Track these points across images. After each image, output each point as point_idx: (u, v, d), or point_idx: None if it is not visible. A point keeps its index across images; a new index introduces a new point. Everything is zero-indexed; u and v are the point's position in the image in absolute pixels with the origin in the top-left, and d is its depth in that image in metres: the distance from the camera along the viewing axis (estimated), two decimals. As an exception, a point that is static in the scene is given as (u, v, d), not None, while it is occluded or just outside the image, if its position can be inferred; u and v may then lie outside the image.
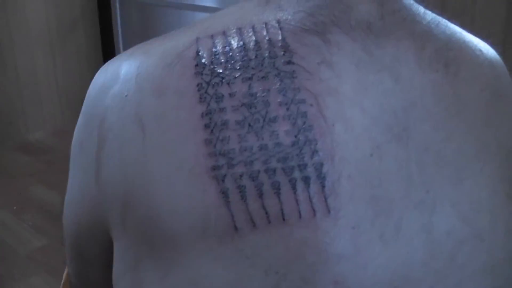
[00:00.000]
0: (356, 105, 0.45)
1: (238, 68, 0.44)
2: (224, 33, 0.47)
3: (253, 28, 0.47)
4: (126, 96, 0.47)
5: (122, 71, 0.49)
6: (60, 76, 3.53)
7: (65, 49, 3.55)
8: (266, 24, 0.47)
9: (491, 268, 0.47)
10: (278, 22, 0.47)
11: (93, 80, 0.52)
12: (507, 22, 2.10)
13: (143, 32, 3.68)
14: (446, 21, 0.55)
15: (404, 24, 0.51)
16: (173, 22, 3.46)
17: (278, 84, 0.44)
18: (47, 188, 2.78)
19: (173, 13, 3.44)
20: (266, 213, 0.41)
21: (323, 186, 0.42)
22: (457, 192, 0.47)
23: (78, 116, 0.53)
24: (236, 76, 0.44)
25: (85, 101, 0.52)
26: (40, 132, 3.45)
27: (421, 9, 0.54)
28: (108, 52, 3.76)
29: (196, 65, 0.45)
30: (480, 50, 0.55)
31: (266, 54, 0.45)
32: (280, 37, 0.46)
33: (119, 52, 3.71)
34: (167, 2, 3.42)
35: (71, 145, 0.53)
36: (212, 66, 0.45)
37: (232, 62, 0.45)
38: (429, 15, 0.54)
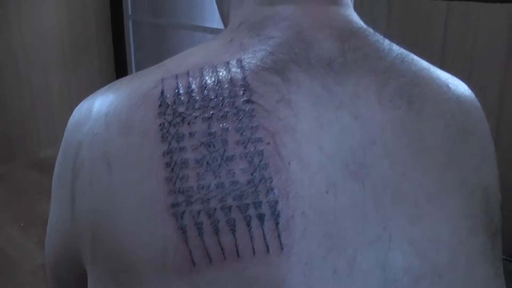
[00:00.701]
0: (312, 143, 0.46)
1: (198, 108, 0.45)
2: (188, 74, 0.48)
3: (215, 67, 0.48)
4: (96, 134, 0.48)
5: (94, 109, 0.50)
6: (73, 94, 3.58)
7: (79, 68, 3.60)
8: (227, 63, 0.48)
9: None
10: (240, 61, 0.48)
11: (71, 116, 0.53)
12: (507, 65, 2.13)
13: (155, 52, 3.74)
14: (414, 57, 0.56)
15: (366, 61, 0.52)
16: (184, 42, 3.52)
17: (237, 123, 0.45)
18: None
19: (184, 33, 3.51)
20: (222, 249, 0.42)
21: (277, 223, 0.42)
22: (415, 229, 0.47)
23: None
24: (197, 116, 0.45)
25: (64, 136, 0.53)
26: (51, 149, 3.47)
27: (386, 46, 0.54)
28: (120, 71, 3.82)
29: (160, 105, 0.46)
30: (448, 86, 0.55)
31: (226, 94, 0.46)
32: (240, 76, 0.47)
33: (131, 72, 3.78)
34: (178, 23, 3.49)
35: (53, 177, 0.55)
36: (174, 106, 0.45)
37: (193, 102, 0.46)
38: (395, 52, 0.54)
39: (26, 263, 2.39)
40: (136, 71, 3.73)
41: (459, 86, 0.56)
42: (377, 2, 2.38)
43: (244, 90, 0.46)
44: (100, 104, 0.50)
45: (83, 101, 0.53)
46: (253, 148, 0.44)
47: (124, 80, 0.52)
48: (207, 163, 0.43)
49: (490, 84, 2.15)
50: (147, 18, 3.69)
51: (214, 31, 3.24)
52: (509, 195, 2.00)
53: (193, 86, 0.46)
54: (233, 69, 0.47)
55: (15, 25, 3.21)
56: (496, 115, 2.15)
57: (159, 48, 3.71)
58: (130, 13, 3.70)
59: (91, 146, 0.48)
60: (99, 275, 0.46)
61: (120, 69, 3.82)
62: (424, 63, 0.56)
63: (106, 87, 0.52)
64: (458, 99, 0.54)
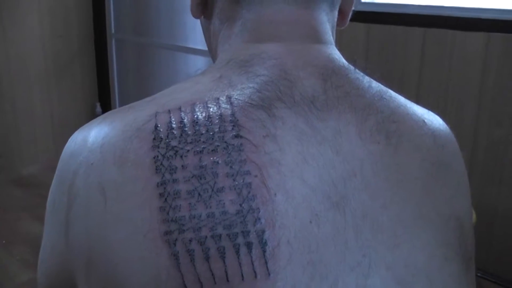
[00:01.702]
0: (296, 176, 0.47)
1: (190, 142, 0.47)
2: (180, 109, 0.49)
3: (205, 103, 0.50)
4: (91, 164, 0.49)
5: (89, 140, 0.51)
6: (55, 112, 3.56)
7: (61, 86, 3.59)
8: (217, 99, 0.50)
9: None
10: (229, 97, 0.50)
11: (66, 145, 0.55)
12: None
13: (137, 71, 3.75)
14: (392, 93, 0.58)
15: (347, 99, 0.54)
16: (166, 62, 3.53)
17: (226, 156, 0.46)
18: (38, 221, 2.77)
19: (166, 53, 3.52)
20: (212, 274, 0.43)
21: (264, 251, 0.44)
22: (393, 256, 0.49)
23: None
24: (189, 149, 0.47)
25: (58, 164, 0.54)
26: (34, 166, 3.46)
27: (366, 83, 0.57)
28: (103, 89, 3.81)
29: (154, 139, 0.47)
30: (424, 121, 0.57)
31: (216, 129, 0.48)
32: (229, 112, 0.49)
33: (114, 92, 3.78)
34: (160, 43, 3.50)
35: (47, 203, 0.55)
36: (167, 140, 0.47)
37: (186, 136, 0.47)
38: (374, 89, 0.57)
39: (8, 281, 2.37)
40: (118, 90, 3.76)
41: (434, 121, 0.59)
42: (356, 29, 2.44)
43: (233, 126, 0.48)
44: (95, 135, 0.51)
45: (78, 131, 0.55)
46: (241, 181, 0.46)
47: (117, 113, 0.53)
48: (199, 194, 0.45)
49: (465, 108, 2.19)
50: (130, 37, 3.69)
51: (195, 52, 3.28)
52: (482, 216, 2.06)
53: (185, 121, 0.48)
54: (223, 105, 0.49)
55: (-1, 46, 3.21)
56: (471, 141, 2.21)
57: (141, 66, 3.71)
58: (113, 31, 3.70)
59: (86, 176, 0.49)
60: None
61: (103, 87, 3.81)
62: (401, 100, 0.58)
63: (99, 118, 0.54)
64: (433, 134, 0.57)
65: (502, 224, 2.21)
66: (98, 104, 3.79)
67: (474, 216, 0.56)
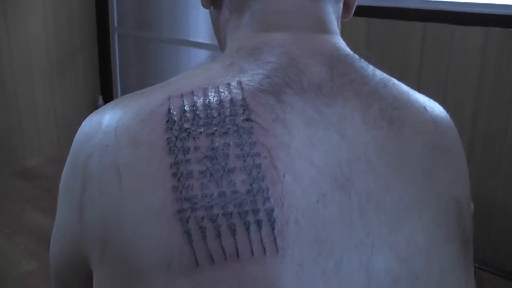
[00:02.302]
0: (304, 158, 0.49)
1: (202, 124, 0.49)
2: (192, 93, 0.51)
3: (217, 88, 0.51)
4: (106, 146, 0.50)
5: (104, 123, 0.53)
6: (58, 105, 3.58)
7: (64, 80, 3.60)
8: (228, 85, 0.52)
9: None
10: (239, 83, 0.52)
11: (79, 129, 0.56)
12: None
13: (140, 65, 3.76)
14: (395, 81, 0.60)
15: (352, 85, 0.55)
16: (168, 56, 3.54)
17: (237, 139, 0.48)
18: (41, 213, 2.81)
19: (168, 48, 3.53)
20: (223, 251, 0.45)
21: (273, 229, 0.46)
22: (395, 236, 0.51)
23: None
24: (201, 131, 0.48)
25: (71, 148, 0.56)
26: (37, 158, 3.47)
27: (370, 71, 0.58)
28: (105, 83, 3.83)
29: (167, 121, 0.49)
30: (425, 108, 0.59)
31: (228, 112, 0.49)
32: (240, 97, 0.51)
33: (116, 85, 3.79)
34: (162, 37, 3.51)
35: (59, 187, 0.57)
36: (180, 123, 0.49)
37: (198, 119, 0.49)
38: (378, 77, 0.58)
39: (12, 270, 2.40)
40: (120, 83, 3.77)
41: (435, 108, 0.61)
42: (357, 23, 2.46)
43: (244, 110, 0.50)
44: (109, 119, 0.53)
45: (91, 115, 0.56)
46: (251, 162, 0.47)
47: (131, 97, 0.55)
48: (211, 174, 0.47)
49: (464, 101, 2.23)
50: (132, 31, 3.71)
51: (197, 45, 3.28)
52: (480, 207, 2.09)
53: (198, 104, 0.50)
54: (234, 90, 0.51)
55: (2, 37, 3.21)
56: (469, 134, 2.23)
57: (144, 60, 3.72)
58: (115, 25, 3.71)
59: (101, 157, 0.51)
60: (106, 275, 0.50)
61: (105, 81, 3.83)
62: (404, 87, 0.60)
63: (112, 103, 0.56)
64: (434, 120, 0.59)
65: (499, 216, 2.23)
66: (100, 97, 3.81)
67: (472, 206, 0.58)
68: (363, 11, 2.40)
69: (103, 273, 0.50)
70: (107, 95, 3.82)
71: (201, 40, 3.27)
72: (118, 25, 3.73)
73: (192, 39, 3.32)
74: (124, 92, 3.78)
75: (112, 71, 3.80)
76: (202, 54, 3.33)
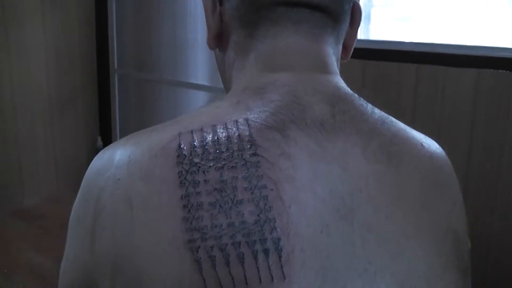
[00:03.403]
0: (309, 190, 0.51)
1: (212, 159, 0.51)
2: (202, 129, 0.54)
3: (225, 125, 0.54)
4: (118, 179, 0.53)
5: (116, 158, 0.55)
6: (58, 145, 3.57)
7: (64, 120, 3.60)
8: (236, 121, 0.54)
9: None
10: (246, 120, 0.54)
11: (91, 164, 0.58)
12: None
13: (139, 106, 3.77)
14: (393, 119, 0.63)
15: (353, 122, 0.58)
16: (168, 98, 3.56)
17: (245, 172, 0.50)
18: (39, 252, 2.75)
19: (168, 89, 3.55)
20: (232, 278, 0.46)
21: (280, 257, 0.47)
22: (396, 264, 0.53)
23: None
24: (210, 165, 0.51)
25: (83, 181, 0.58)
26: (35, 198, 3.44)
27: (369, 109, 0.61)
28: (105, 124, 3.83)
29: (178, 156, 0.51)
30: (422, 145, 0.61)
31: (236, 147, 0.52)
32: (247, 133, 0.53)
33: (115, 126, 3.79)
34: (162, 79, 3.53)
35: (70, 219, 0.59)
36: (191, 157, 0.51)
37: (207, 154, 0.51)
38: (376, 114, 0.61)
39: (11, 310, 2.36)
40: (119, 124, 3.78)
41: (431, 145, 0.63)
42: (352, 65, 2.51)
43: (251, 145, 0.52)
44: (121, 154, 0.55)
45: (102, 151, 0.58)
46: (259, 194, 0.50)
47: (142, 134, 0.57)
48: (220, 205, 0.49)
49: (458, 140, 2.26)
50: (132, 73, 3.73)
51: (197, 87, 3.30)
52: (477, 244, 2.10)
53: (207, 140, 0.52)
54: (241, 127, 0.53)
55: (4, 76, 3.23)
56: (464, 172, 2.25)
57: (143, 102, 3.74)
58: (116, 67, 3.74)
59: (113, 190, 0.53)
60: None
61: (105, 122, 3.84)
62: (401, 125, 0.63)
63: (123, 140, 0.58)
64: (431, 156, 0.61)
65: (496, 252, 2.24)
66: (99, 138, 3.81)
67: (468, 244, 0.59)
68: (358, 53, 2.43)
69: None
70: (106, 136, 3.82)
71: (200, 82, 3.29)
72: (118, 66, 3.75)
73: (192, 81, 3.35)
74: (123, 133, 3.79)
75: (112, 112, 3.81)
76: (201, 96, 3.35)
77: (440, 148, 0.65)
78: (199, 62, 3.30)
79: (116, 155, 0.55)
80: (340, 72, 0.66)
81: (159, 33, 3.53)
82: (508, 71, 2.12)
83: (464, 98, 2.24)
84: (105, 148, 0.59)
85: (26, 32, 3.28)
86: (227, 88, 0.71)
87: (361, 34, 2.65)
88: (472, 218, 2.24)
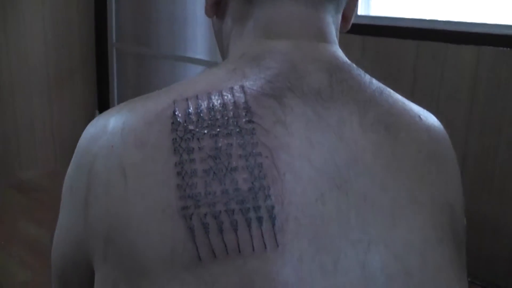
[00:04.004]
0: (304, 159, 0.51)
1: (206, 126, 0.50)
2: (197, 97, 0.53)
3: (221, 92, 0.53)
4: (112, 147, 0.52)
5: (110, 125, 0.54)
6: (55, 119, 3.58)
7: (62, 95, 3.61)
8: (231, 89, 0.54)
9: None
10: (242, 87, 0.54)
11: (84, 132, 0.57)
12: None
13: (137, 80, 3.77)
14: (391, 91, 0.61)
15: (350, 92, 0.57)
16: (166, 72, 3.57)
17: (240, 139, 0.50)
18: (36, 225, 2.79)
19: (166, 64, 3.56)
20: (225, 246, 0.46)
21: (273, 225, 0.47)
22: (391, 234, 0.52)
23: (69, 159, 0.58)
24: (205, 133, 0.50)
25: (76, 149, 0.57)
26: (33, 172, 3.46)
27: (367, 79, 0.60)
28: (103, 98, 3.84)
29: (172, 123, 0.51)
30: (420, 117, 0.61)
31: (231, 115, 0.51)
32: (243, 100, 0.52)
33: (113, 99, 3.80)
34: (160, 53, 3.54)
35: (63, 188, 0.58)
36: (185, 124, 0.50)
37: (202, 121, 0.51)
38: (374, 85, 0.60)
39: (6, 281, 2.39)
40: (117, 98, 3.78)
41: (429, 118, 0.63)
42: (352, 41, 2.50)
43: (246, 112, 0.52)
44: (115, 121, 0.54)
45: (97, 118, 0.57)
46: (253, 161, 0.49)
47: (137, 101, 0.56)
48: (214, 173, 0.48)
49: (457, 118, 2.25)
50: (130, 47, 3.73)
51: (194, 61, 3.31)
52: (472, 223, 2.10)
53: (202, 107, 0.52)
54: (237, 94, 0.53)
55: (1, 51, 3.23)
56: (462, 150, 2.25)
57: (141, 76, 3.74)
58: (114, 41, 3.73)
59: (107, 158, 0.52)
60: (109, 273, 0.50)
61: (103, 96, 3.84)
62: (399, 97, 0.62)
63: (118, 107, 0.57)
64: (428, 129, 0.61)
65: (491, 231, 2.25)
66: (97, 112, 3.81)
67: (464, 222, 0.59)
68: (358, 29, 2.43)
69: (106, 271, 0.51)
70: (104, 110, 3.80)
71: (199, 57, 3.29)
72: (117, 41, 3.74)
73: (190, 55, 3.35)
74: (121, 108, 3.77)
75: (110, 87, 3.81)
76: (199, 70, 3.33)
77: (439, 122, 0.65)
78: (198, 37, 3.30)
79: (110, 122, 0.55)
80: (339, 47, 0.65)
81: (157, 7, 3.53)
82: (508, 49, 2.12)
83: (464, 75, 2.24)
84: (99, 115, 0.58)
85: (24, 7, 3.27)
86: (224, 56, 0.70)
87: (361, 10, 2.64)
88: (469, 197, 2.25)
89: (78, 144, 0.57)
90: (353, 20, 0.72)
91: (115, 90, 3.81)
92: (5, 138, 3.36)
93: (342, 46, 0.66)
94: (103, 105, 3.84)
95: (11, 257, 2.55)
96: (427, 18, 2.40)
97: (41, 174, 3.49)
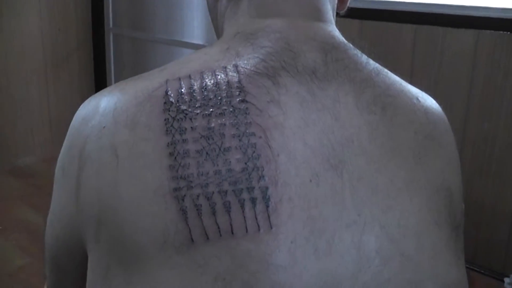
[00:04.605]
0: (298, 139, 0.50)
1: (199, 106, 0.50)
2: (190, 76, 0.52)
3: (214, 71, 0.53)
4: (104, 127, 0.51)
5: (101, 106, 0.54)
6: (52, 104, 3.57)
7: (59, 79, 3.60)
8: (225, 68, 0.53)
9: (416, 284, 0.52)
10: (235, 66, 0.53)
11: (76, 113, 0.57)
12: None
13: (134, 65, 3.75)
14: (388, 72, 0.61)
15: (346, 71, 0.57)
16: (162, 57, 3.54)
17: (233, 119, 0.49)
18: (34, 210, 2.81)
19: (163, 48, 3.54)
20: (218, 227, 0.46)
21: (267, 206, 0.47)
22: (386, 216, 0.52)
23: None
24: (198, 112, 0.49)
25: (69, 130, 0.57)
26: (30, 157, 3.46)
27: (363, 59, 0.60)
28: (100, 83, 3.82)
29: (164, 103, 0.50)
30: (417, 99, 0.60)
31: (224, 94, 0.51)
32: (236, 79, 0.52)
33: (110, 83, 3.77)
34: (157, 38, 3.52)
35: (55, 170, 0.57)
36: (178, 104, 0.50)
37: (195, 101, 0.50)
38: (371, 65, 0.60)
39: (4, 266, 2.39)
40: (114, 83, 3.75)
41: (427, 99, 0.62)
42: (349, 25, 2.49)
43: (240, 91, 0.51)
44: (107, 101, 0.54)
45: (89, 99, 0.57)
46: (247, 141, 0.49)
47: (128, 81, 0.56)
48: (207, 153, 0.48)
49: (455, 103, 2.24)
50: (127, 32, 3.71)
51: (191, 46, 3.29)
52: (470, 208, 2.11)
53: (195, 87, 0.51)
54: (230, 73, 0.52)
55: (-2, 35, 3.22)
56: (460, 134, 2.24)
57: (138, 61, 3.73)
58: (111, 26, 3.72)
59: (98, 139, 0.51)
60: (101, 255, 0.50)
61: (99, 81, 3.83)
62: (396, 78, 0.61)
63: (110, 87, 0.57)
64: (426, 111, 0.60)
65: (489, 216, 2.25)
66: (94, 98, 3.79)
67: (462, 206, 0.58)
68: (356, 13, 2.42)
69: (98, 253, 0.51)
70: (101, 95, 3.80)
71: (195, 41, 3.28)
72: (113, 25, 3.73)
73: (187, 40, 3.33)
74: (118, 93, 3.76)
75: (107, 72, 3.80)
76: (196, 55, 3.33)
77: (437, 104, 0.64)
78: (195, 21, 3.28)
79: (102, 103, 0.54)
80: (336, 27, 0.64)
81: (154, -9, 3.50)
82: (508, 33, 2.10)
83: (463, 59, 2.22)
84: (91, 96, 0.58)
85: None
86: (218, 36, 0.69)
87: (359, -6, 2.62)
88: (467, 182, 2.26)
89: (71, 125, 0.57)
90: (350, 2, 0.71)
91: (112, 75, 3.80)
92: (1, 123, 3.35)
93: (340, 30, 0.65)
94: (100, 90, 3.80)
95: (9, 242, 2.56)
96: (426, 1, 2.38)
97: (38, 159, 3.50)
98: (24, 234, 2.60)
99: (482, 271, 2.24)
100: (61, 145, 0.57)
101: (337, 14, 0.69)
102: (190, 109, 0.50)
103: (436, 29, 2.28)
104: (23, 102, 3.43)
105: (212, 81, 0.52)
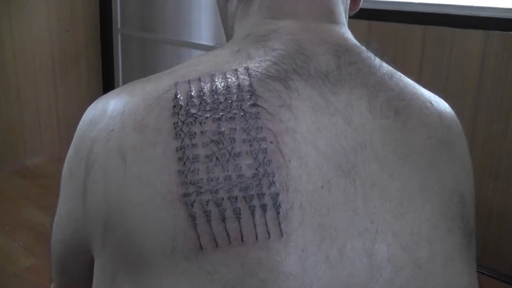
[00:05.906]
0: (310, 144, 0.49)
1: (209, 109, 0.49)
2: (199, 79, 0.51)
3: (224, 74, 0.52)
4: (112, 130, 0.50)
5: (109, 108, 0.53)
6: (60, 105, 3.58)
7: (67, 80, 3.60)
8: (235, 71, 0.52)
9: None
10: (246, 69, 0.52)
11: (83, 115, 0.56)
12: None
13: (142, 66, 3.76)
14: (401, 75, 0.60)
15: (359, 75, 0.56)
16: (170, 58, 3.55)
17: (244, 123, 0.48)
18: (41, 211, 2.81)
19: (171, 49, 3.54)
20: (228, 235, 0.45)
21: (277, 213, 0.46)
22: (399, 224, 0.51)
23: None
24: (207, 116, 0.48)
25: (76, 133, 0.56)
26: (38, 158, 3.47)
27: (377, 62, 0.59)
28: (108, 84, 3.83)
29: (174, 106, 0.49)
30: (431, 102, 0.59)
31: (235, 98, 0.50)
32: (247, 83, 0.51)
33: (118, 85, 3.80)
34: (165, 38, 3.52)
35: (62, 172, 0.57)
36: (187, 108, 0.49)
37: (205, 104, 0.49)
38: (384, 68, 0.58)
39: (11, 266, 2.39)
40: (122, 84, 3.76)
41: (440, 103, 0.61)
42: (358, 26, 2.48)
43: (251, 95, 0.50)
44: (115, 104, 0.53)
45: (96, 101, 0.56)
46: (258, 146, 0.48)
47: (137, 84, 0.55)
48: (217, 158, 0.47)
49: (464, 104, 2.23)
50: (135, 33, 3.72)
51: (199, 47, 3.28)
52: (479, 210, 2.09)
53: (205, 90, 0.50)
54: (241, 76, 0.51)
55: (6, 36, 3.22)
56: (469, 135, 2.23)
57: (146, 62, 3.73)
58: (119, 27, 3.72)
59: (106, 142, 0.50)
60: (108, 260, 0.50)
61: (108, 82, 3.83)
62: (409, 81, 0.60)
63: (118, 89, 0.56)
64: (439, 114, 0.59)
65: (498, 219, 2.24)
66: (102, 99, 3.80)
67: (474, 208, 0.57)
68: (364, 14, 2.41)
69: (105, 258, 0.50)
70: (109, 96, 3.81)
71: (204, 42, 3.28)
72: (122, 26, 3.74)
73: (195, 41, 3.33)
74: (126, 94, 3.77)
75: (115, 73, 3.80)
76: (204, 56, 3.34)
77: (450, 108, 0.63)
78: (203, 22, 3.28)
79: (110, 105, 0.53)
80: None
81: (162, -8, 3.50)
82: (517, 33, 2.08)
83: (472, 60, 2.21)
84: (99, 98, 0.57)
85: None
86: (228, 37, 0.68)
87: (368, -5, 2.61)
88: (476, 184, 2.23)
89: (78, 127, 0.56)
90: (361, 3, 0.70)
91: (120, 76, 3.80)
92: (10, 123, 3.37)
93: (349, 31, 0.64)
94: (108, 91, 3.77)
95: (16, 243, 2.57)
96: (434, 2, 2.37)
97: (46, 159, 3.51)
98: (31, 235, 2.60)
99: (491, 274, 2.22)
100: (69, 146, 0.57)
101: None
102: (199, 113, 0.49)
103: (445, 30, 2.27)
104: (31, 103, 3.44)
105: (222, 84, 0.51)
